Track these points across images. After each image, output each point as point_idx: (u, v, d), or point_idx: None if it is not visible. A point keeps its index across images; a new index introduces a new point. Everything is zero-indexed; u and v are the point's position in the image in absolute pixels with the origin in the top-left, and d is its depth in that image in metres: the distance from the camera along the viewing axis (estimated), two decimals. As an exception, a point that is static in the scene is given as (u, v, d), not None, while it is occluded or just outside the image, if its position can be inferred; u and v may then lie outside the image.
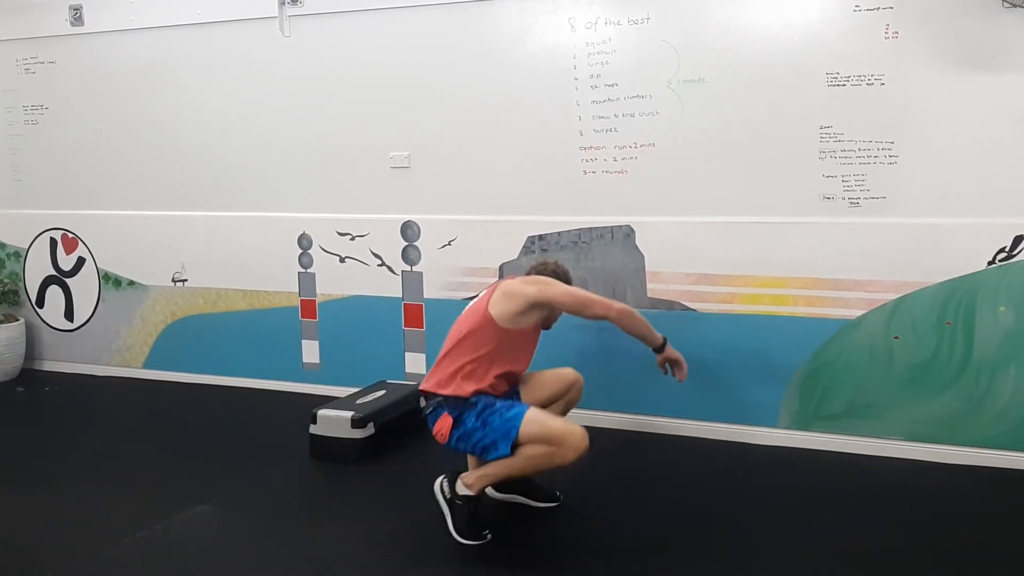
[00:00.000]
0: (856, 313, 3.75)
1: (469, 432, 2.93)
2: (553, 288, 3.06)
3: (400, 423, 3.94)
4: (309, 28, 4.54)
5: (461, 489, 3.02)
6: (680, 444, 3.98)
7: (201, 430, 4.31)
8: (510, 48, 4.17)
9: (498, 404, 2.95)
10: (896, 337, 3.69)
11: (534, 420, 2.87)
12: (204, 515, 3.29)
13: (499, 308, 3.03)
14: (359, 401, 3.99)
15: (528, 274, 3.27)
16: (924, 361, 3.67)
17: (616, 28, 3.97)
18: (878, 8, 3.57)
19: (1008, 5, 3.35)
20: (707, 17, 3.82)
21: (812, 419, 3.87)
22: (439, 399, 3.01)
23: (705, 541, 3.03)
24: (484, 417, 2.92)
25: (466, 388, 2.98)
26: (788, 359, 3.87)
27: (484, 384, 3.01)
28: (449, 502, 3.04)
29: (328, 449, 3.80)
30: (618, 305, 3.09)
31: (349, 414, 3.81)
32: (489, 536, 2.99)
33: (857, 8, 3.60)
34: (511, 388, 3.20)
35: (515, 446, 2.86)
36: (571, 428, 2.87)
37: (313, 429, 3.88)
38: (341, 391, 4.32)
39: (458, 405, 2.97)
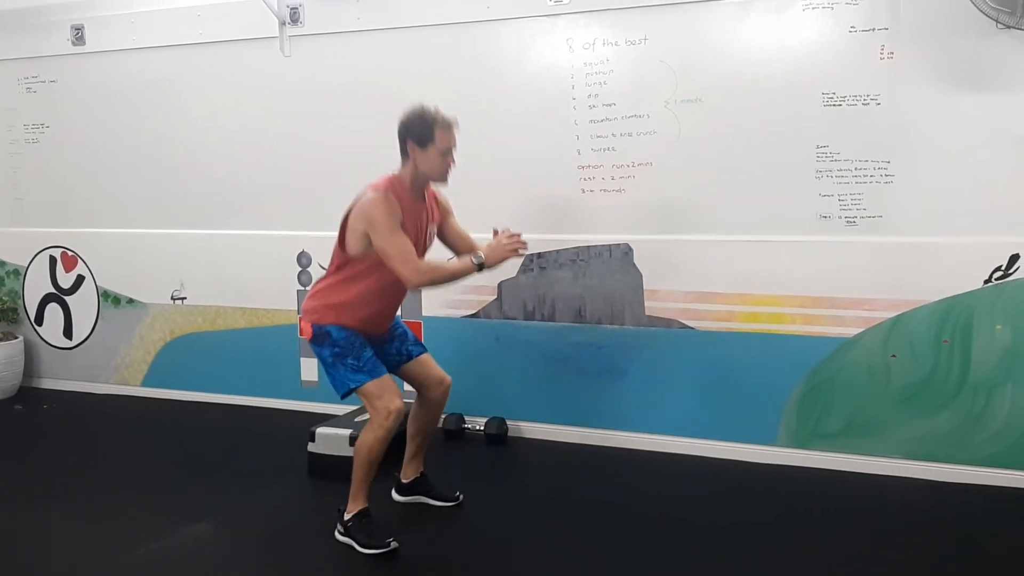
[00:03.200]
0: (853, 331, 3.76)
1: (322, 357, 3.20)
2: (376, 225, 3.03)
3: (398, 441, 3.93)
4: (309, 48, 4.57)
5: (345, 515, 3.16)
6: (678, 462, 3.97)
7: (199, 448, 4.31)
8: (509, 68, 4.20)
9: (349, 360, 3.13)
10: (894, 355, 3.70)
11: (365, 392, 3.12)
12: (202, 534, 3.29)
13: (350, 237, 3.13)
14: (357, 419, 3.98)
15: (399, 126, 3.17)
16: (922, 379, 3.67)
17: (614, 48, 4.00)
18: (873, 29, 3.60)
19: (1002, 26, 3.38)
20: (704, 38, 3.86)
21: (810, 437, 3.87)
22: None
23: (704, 559, 3.03)
24: (335, 361, 3.15)
25: (328, 316, 3.15)
26: (786, 377, 3.88)
27: (346, 319, 3.14)
28: (345, 532, 3.16)
29: (326, 467, 3.79)
30: (417, 279, 3.07)
31: (348, 432, 3.81)
32: (394, 543, 3.07)
33: (853, 29, 3.63)
34: (389, 333, 3.34)
35: (349, 393, 3.17)
36: (385, 401, 3.08)
37: (311, 447, 3.88)
38: (339, 409, 4.31)
39: (321, 330, 3.16)
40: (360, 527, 3.13)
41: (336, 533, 3.18)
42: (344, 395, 3.20)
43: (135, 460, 4.18)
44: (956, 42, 3.50)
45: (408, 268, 3.02)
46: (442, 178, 3.20)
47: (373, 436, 3.10)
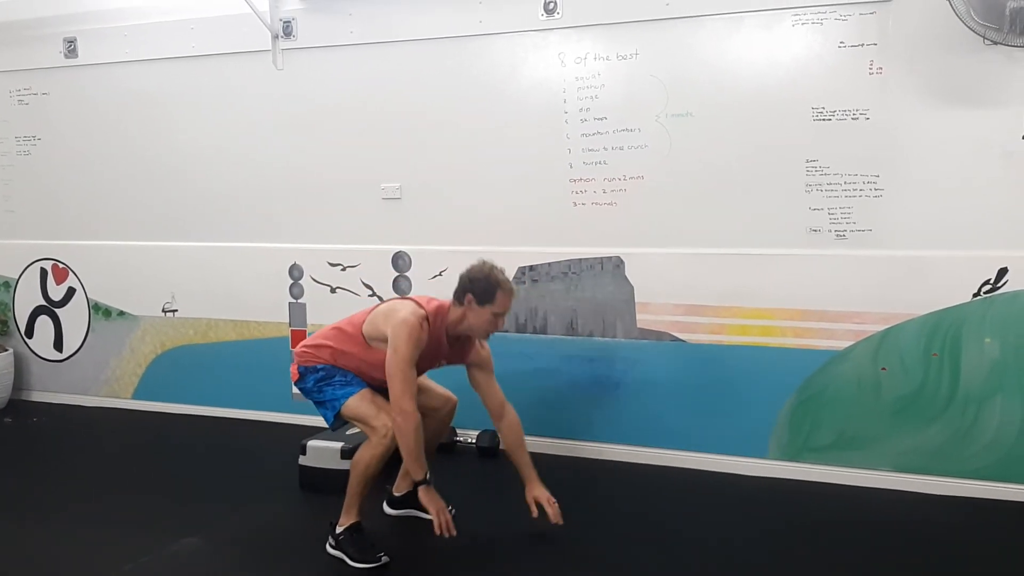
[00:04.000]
0: (843, 344, 3.77)
1: (309, 390, 3.27)
2: (397, 347, 3.02)
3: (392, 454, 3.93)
4: (302, 61, 4.59)
5: (338, 528, 3.15)
6: (669, 475, 3.98)
7: (190, 461, 4.29)
8: (501, 82, 4.21)
9: (337, 377, 3.22)
10: (884, 368, 3.72)
11: (353, 405, 3.16)
12: (193, 547, 3.28)
13: (370, 324, 3.20)
14: (349, 432, 3.97)
15: (463, 277, 3.20)
16: (911, 392, 3.69)
17: (605, 63, 4.02)
18: (862, 44, 3.63)
19: (989, 42, 3.41)
20: (694, 52, 3.88)
21: (801, 450, 3.88)
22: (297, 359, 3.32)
23: (695, 571, 3.03)
24: (321, 385, 3.23)
25: (317, 361, 3.25)
26: (777, 390, 3.89)
27: (339, 365, 3.25)
28: (337, 546, 3.14)
29: (317, 480, 3.79)
30: (401, 420, 2.98)
31: (339, 445, 3.81)
32: (385, 558, 3.08)
33: (842, 44, 3.66)
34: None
35: (340, 418, 3.21)
36: (383, 418, 3.07)
37: (302, 460, 3.87)
38: (331, 422, 4.32)
39: (307, 366, 3.27)
40: (352, 541, 3.12)
41: (327, 546, 3.17)
42: (335, 418, 3.20)
43: (125, 473, 4.16)
44: (944, 58, 3.53)
45: (403, 400, 2.99)
46: (484, 336, 3.25)
47: (371, 453, 3.08)
